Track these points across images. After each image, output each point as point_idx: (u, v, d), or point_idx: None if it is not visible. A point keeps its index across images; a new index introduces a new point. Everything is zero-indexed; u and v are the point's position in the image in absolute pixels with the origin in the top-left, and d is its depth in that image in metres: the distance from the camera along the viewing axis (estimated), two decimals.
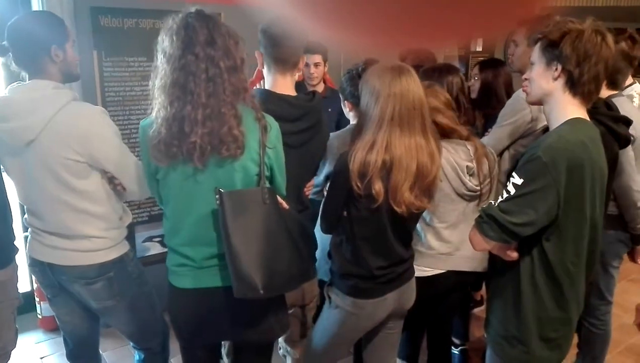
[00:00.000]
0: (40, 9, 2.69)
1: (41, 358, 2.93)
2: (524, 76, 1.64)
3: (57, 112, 1.72)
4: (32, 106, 1.71)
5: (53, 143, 1.72)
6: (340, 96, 2.14)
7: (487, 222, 1.48)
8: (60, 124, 1.72)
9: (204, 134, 1.48)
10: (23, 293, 2.24)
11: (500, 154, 2.40)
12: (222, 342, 2.09)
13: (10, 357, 2.11)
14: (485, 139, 2.40)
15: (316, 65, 3.08)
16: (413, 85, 1.67)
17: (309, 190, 2.03)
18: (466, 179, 1.99)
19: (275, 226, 1.59)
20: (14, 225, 1.98)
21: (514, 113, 2.30)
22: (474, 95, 2.78)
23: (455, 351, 2.84)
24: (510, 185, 1.47)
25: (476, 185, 1.99)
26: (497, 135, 2.37)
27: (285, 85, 1.88)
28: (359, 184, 1.65)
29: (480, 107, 2.77)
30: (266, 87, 1.91)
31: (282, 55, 1.83)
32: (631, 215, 2.29)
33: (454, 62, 4.45)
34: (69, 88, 1.86)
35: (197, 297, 1.65)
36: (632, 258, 2.44)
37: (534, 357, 1.59)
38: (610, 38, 1.48)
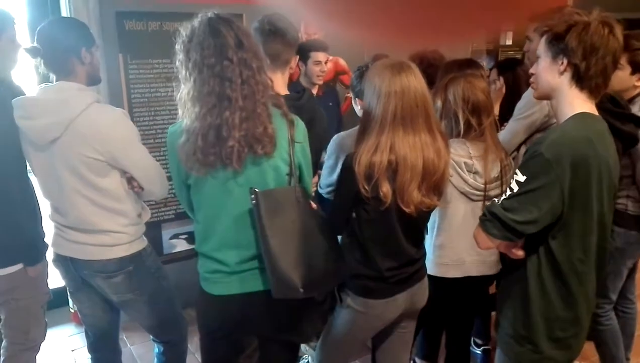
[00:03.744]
0: (68, 14, 2.80)
1: (72, 350, 3.06)
2: (531, 70, 1.61)
3: (81, 113, 1.80)
4: (58, 106, 1.81)
5: (76, 141, 1.81)
6: (351, 94, 2.14)
7: (490, 220, 1.46)
8: (83, 123, 1.80)
9: (241, 137, 1.48)
10: (56, 289, 2.34)
11: (518, 149, 2.35)
12: None
13: (39, 349, 2.21)
14: (501, 133, 2.36)
15: (326, 62, 3.10)
16: (414, 81, 1.65)
17: (311, 189, 2.04)
18: (467, 175, 1.97)
19: (309, 224, 1.59)
20: (43, 223, 2.08)
21: (530, 106, 2.26)
22: (499, 99, 2.69)
23: (477, 351, 2.81)
24: (514, 182, 1.44)
25: (481, 183, 1.97)
26: (513, 129, 2.33)
27: (276, 84, 1.89)
28: (366, 187, 1.65)
29: (507, 111, 2.66)
30: None
31: (272, 51, 1.85)
32: None
33: (482, 56, 4.36)
34: (93, 90, 1.94)
35: (232, 303, 1.65)
36: None
37: (542, 356, 1.55)
38: (618, 30, 1.43)
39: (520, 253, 1.53)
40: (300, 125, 1.64)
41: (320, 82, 3.16)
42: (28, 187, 2.00)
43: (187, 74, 1.50)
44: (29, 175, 2.01)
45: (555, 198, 1.40)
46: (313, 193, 2.06)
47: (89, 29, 1.95)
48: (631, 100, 2.18)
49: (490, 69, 2.92)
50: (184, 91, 1.52)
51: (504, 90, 2.57)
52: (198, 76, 1.48)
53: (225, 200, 1.58)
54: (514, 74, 2.61)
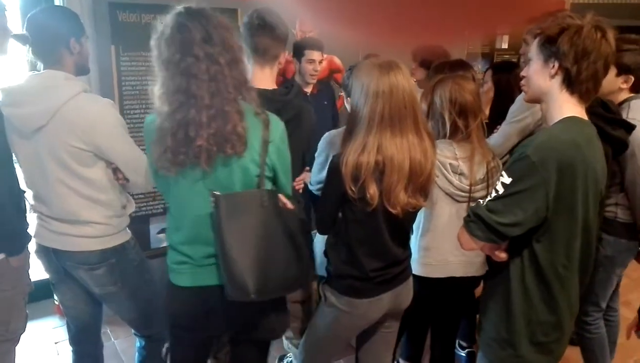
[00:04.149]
0: (61, 3, 2.78)
1: (56, 343, 3.04)
2: (522, 73, 1.60)
3: (67, 102, 1.79)
4: (44, 94, 1.79)
5: (61, 130, 1.79)
6: (343, 93, 2.13)
7: (474, 221, 1.45)
8: (69, 112, 1.79)
9: (210, 135, 1.45)
10: (41, 280, 2.31)
11: (510, 152, 2.34)
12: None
13: (19, 340, 2.18)
14: (494, 136, 2.35)
15: (320, 62, 3.07)
16: (403, 80, 1.64)
17: (299, 185, 2.03)
18: (452, 176, 1.96)
19: (273, 229, 1.55)
20: (27, 214, 2.06)
21: (523, 110, 2.25)
22: (487, 100, 2.68)
23: (462, 353, 2.80)
24: (499, 184, 1.43)
25: (466, 185, 1.96)
26: (505, 132, 2.31)
27: (263, 79, 1.88)
28: (352, 188, 1.63)
29: (498, 115, 2.64)
30: None
31: (260, 45, 1.83)
32: None
33: (477, 59, 4.36)
34: (82, 80, 1.92)
35: (197, 295, 1.63)
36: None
37: (523, 360, 1.54)
38: (611, 34, 1.42)
39: (503, 255, 1.52)
40: (276, 125, 1.59)
41: (314, 81, 3.13)
42: (14, 176, 1.98)
43: (158, 70, 1.48)
44: (15, 164, 1.99)
45: (540, 201, 1.39)
46: (301, 191, 2.05)
47: (79, 19, 1.93)
48: (619, 106, 2.17)
49: (485, 71, 2.91)
50: (156, 87, 1.50)
51: (492, 93, 2.56)
52: (166, 73, 1.45)
53: (192, 200, 1.55)
54: (508, 77, 2.60)
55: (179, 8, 1.47)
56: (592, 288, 2.29)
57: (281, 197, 1.62)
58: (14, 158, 1.94)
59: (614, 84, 2.15)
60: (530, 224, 1.42)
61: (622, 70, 2.13)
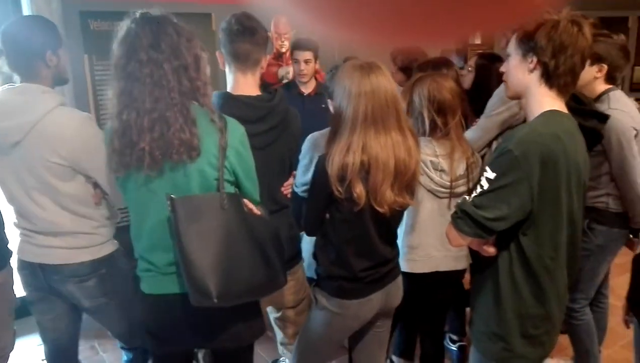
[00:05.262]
0: (30, 13, 2.72)
1: (42, 360, 2.96)
2: (501, 69, 1.62)
3: (44, 116, 1.74)
4: (21, 109, 1.75)
5: (38, 146, 1.75)
6: (325, 95, 2.13)
7: (462, 217, 1.46)
8: (46, 127, 1.75)
9: (153, 139, 1.45)
10: (23, 297, 2.26)
11: (489, 145, 2.37)
12: (196, 351, 2.06)
13: (8, 358, 2.13)
14: (472, 130, 2.37)
15: (306, 62, 3.04)
16: (384, 81, 1.65)
17: (287, 190, 2.02)
18: (433, 173, 1.99)
19: (236, 233, 1.52)
20: (6, 229, 2.01)
21: (502, 103, 2.27)
22: (465, 85, 2.73)
23: (453, 347, 2.83)
24: (484, 179, 1.45)
25: (447, 181, 1.98)
26: (484, 126, 2.33)
27: (246, 85, 1.86)
28: (339, 188, 1.64)
29: (471, 101, 2.69)
30: (227, 88, 1.89)
31: (240, 51, 1.81)
32: (636, 210, 2.24)
33: (451, 55, 4.40)
34: (58, 93, 1.88)
35: (162, 303, 1.62)
36: (631, 248, 2.41)
37: (514, 353, 1.56)
38: (587, 28, 1.45)
39: (491, 250, 1.54)
40: (235, 130, 1.58)
41: (304, 81, 3.10)
42: None
43: (112, 73, 1.51)
44: None
45: (524, 195, 1.41)
46: (289, 195, 2.04)
47: (56, 29, 1.88)
48: (598, 98, 2.21)
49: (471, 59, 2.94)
50: (110, 89, 1.53)
51: (472, 76, 2.61)
52: (114, 76, 1.49)
53: (148, 203, 1.54)
54: (490, 65, 2.61)
55: (136, 13, 1.49)
56: (581, 276, 2.32)
57: (246, 202, 1.61)
58: None
59: (588, 73, 2.17)
60: (516, 218, 1.44)
61: (595, 59, 2.16)
